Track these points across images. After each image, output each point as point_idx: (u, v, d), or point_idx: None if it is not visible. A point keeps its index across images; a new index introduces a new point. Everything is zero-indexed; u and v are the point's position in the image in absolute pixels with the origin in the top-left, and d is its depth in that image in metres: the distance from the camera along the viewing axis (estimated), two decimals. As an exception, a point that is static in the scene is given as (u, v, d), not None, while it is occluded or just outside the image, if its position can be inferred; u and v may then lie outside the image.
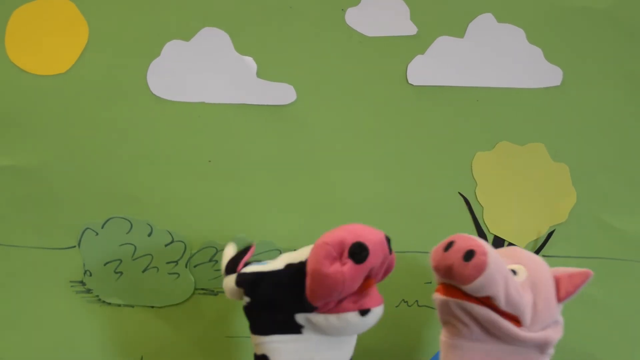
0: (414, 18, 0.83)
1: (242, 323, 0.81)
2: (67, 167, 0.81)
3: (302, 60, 0.83)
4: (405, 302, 0.83)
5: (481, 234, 0.83)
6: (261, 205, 0.82)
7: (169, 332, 0.81)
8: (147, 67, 0.81)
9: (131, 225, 0.81)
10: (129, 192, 0.81)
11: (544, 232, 0.83)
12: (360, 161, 0.83)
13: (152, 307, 0.81)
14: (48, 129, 0.81)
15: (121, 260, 0.81)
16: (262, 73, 0.82)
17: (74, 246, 0.81)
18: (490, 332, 0.63)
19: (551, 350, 0.65)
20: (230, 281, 0.65)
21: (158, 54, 0.82)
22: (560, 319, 0.67)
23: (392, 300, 0.83)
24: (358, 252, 0.57)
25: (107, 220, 0.81)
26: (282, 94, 0.82)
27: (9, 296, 0.81)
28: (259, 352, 0.64)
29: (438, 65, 0.83)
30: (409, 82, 0.83)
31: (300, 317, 0.62)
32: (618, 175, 0.84)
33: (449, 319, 0.65)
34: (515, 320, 0.62)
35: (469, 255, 0.59)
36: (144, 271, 0.81)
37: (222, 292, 0.81)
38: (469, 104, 0.83)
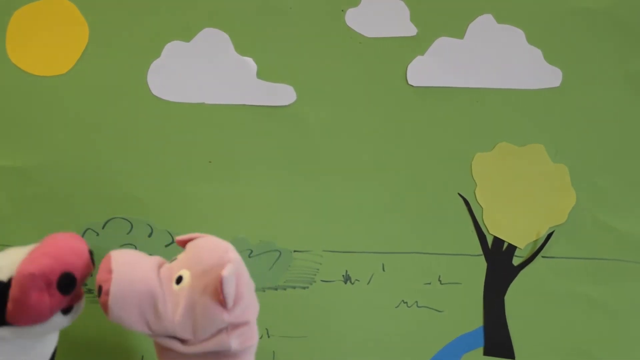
0: (413, 19, 0.83)
1: (242, 323, 0.82)
2: (68, 168, 0.81)
3: (302, 60, 0.83)
4: (405, 302, 0.83)
5: (480, 234, 0.83)
6: (261, 205, 0.82)
7: (170, 332, 0.81)
8: (148, 68, 0.81)
9: (132, 225, 0.81)
10: (130, 193, 0.81)
11: (544, 233, 0.83)
12: (360, 162, 0.83)
13: (153, 307, 0.81)
14: (48, 130, 0.81)
15: (122, 261, 0.81)
16: (262, 73, 0.83)
17: (75, 246, 0.81)
18: None
19: (236, 346, 0.61)
20: None
21: (158, 55, 0.82)
22: (239, 319, 0.61)
23: (392, 300, 0.83)
24: (67, 283, 0.58)
25: (108, 221, 0.81)
26: (282, 94, 0.83)
27: (10, 296, 0.81)
28: None
29: (438, 66, 0.83)
30: (409, 82, 0.83)
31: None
32: (617, 176, 0.84)
33: None
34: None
35: (99, 291, 0.59)
36: (144, 271, 0.81)
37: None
38: (469, 104, 0.83)
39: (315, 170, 0.83)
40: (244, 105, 0.82)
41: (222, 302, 0.59)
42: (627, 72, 0.84)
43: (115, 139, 0.81)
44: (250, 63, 0.82)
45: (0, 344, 0.60)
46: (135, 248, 0.81)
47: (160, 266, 0.63)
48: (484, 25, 0.83)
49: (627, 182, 0.84)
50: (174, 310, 0.60)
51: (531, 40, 0.83)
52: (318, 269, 0.82)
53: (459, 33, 0.83)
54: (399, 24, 0.83)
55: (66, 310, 0.62)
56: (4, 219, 0.81)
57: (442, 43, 0.83)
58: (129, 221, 0.81)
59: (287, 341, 0.82)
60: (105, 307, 0.59)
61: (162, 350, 0.64)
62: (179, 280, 0.61)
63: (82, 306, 0.64)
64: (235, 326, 0.61)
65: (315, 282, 0.82)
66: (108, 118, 0.81)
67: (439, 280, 0.83)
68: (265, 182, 0.83)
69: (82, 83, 0.81)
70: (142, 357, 0.82)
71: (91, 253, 0.62)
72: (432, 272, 0.83)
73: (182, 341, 0.61)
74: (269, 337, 0.82)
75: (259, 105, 0.82)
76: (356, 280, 0.82)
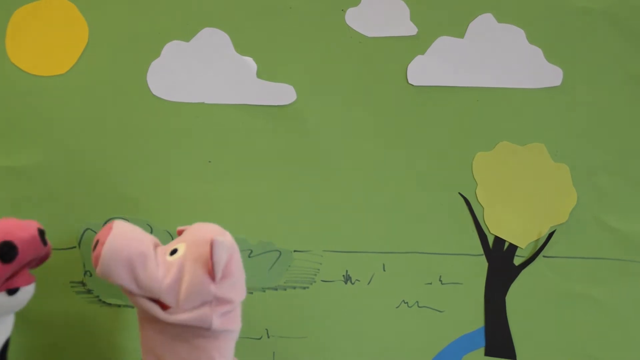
0: (414, 18, 0.83)
1: (242, 323, 0.82)
2: (67, 168, 0.81)
3: (302, 60, 0.83)
4: (405, 302, 0.83)
5: (481, 234, 0.83)
6: (261, 205, 0.82)
7: (169, 333, 0.81)
8: (147, 68, 0.81)
9: (131, 225, 0.81)
10: (129, 193, 0.81)
11: (545, 233, 0.83)
12: (360, 161, 0.83)
13: (152, 307, 0.81)
14: (48, 129, 0.81)
15: (121, 261, 0.81)
16: (262, 73, 0.82)
17: (74, 247, 0.81)
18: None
19: (217, 325, 0.63)
20: None
21: (158, 55, 0.82)
22: (232, 296, 0.63)
23: (392, 300, 0.82)
24: (6, 251, 0.60)
25: (107, 221, 0.80)
26: (282, 94, 0.82)
27: (9, 296, 0.81)
28: None
29: (438, 66, 0.83)
30: (409, 82, 0.83)
31: None
32: (618, 175, 0.83)
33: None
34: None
35: (95, 245, 0.62)
36: (144, 271, 0.81)
37: (222, 292, 0.81)
38: (469, 104, 0.83)
39: (315, 170, 0.83)
40: (244, 105, 0.82)
41: (211, 273, 0.62)
42: (628, 71, 0.84)
43: (115, 139, 0.81)
44: (250, 63, 0.82)
45: None
46: (135, 248, 0.81)
47: (156, 245, 0.66)
48: (484, 24, 0.83)
49: (628, 181, 0.84)
50: (164, 275, 0.62)
51: (532, 39, 0.83)
52: (318, 269, 0.82)
53: (459, 32, 0.83)
54: (399, 24, 0.83)
55: (12, 291, 0.63)
56: (3, 219, 0.81)
57: (443, 42, 0.83)
58: (128, 221, 0.80)
59: (287, 341, 0.82)
60: (97, 258, 0.61)
61: (143, 319, 0.65)
62: (173, 252, 0.64)
63: (31, 291, 0.65)
64: (220, 302, 0.63)
65: (315, 282, 0.82)
66: (108, 118, 0.81)
67: (440, 280, 0.83)
68: (265, 182, 0.82)
69: (82, 83, 0.81)
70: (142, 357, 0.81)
71: (41, 232, 0.64)
72: (432, 272, 0.83)
73: (164, 309, 0.62)
74: (268, 337, 0.82)
75: (259, 105, 0.82)
76: (356, 280, 0.82)
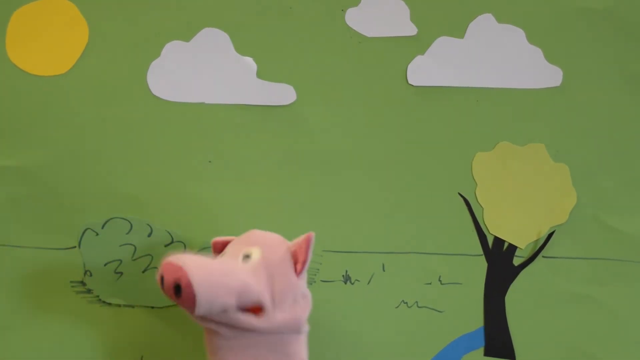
0: (414, 18, 0.83)
1: (242, 323, 0.82)
2: (67, 168, 0.81)
3: (302, 60, 0.83)
4: (405, 302, 0.83)
5: (481, 234, 0.83)
6: (261, 205, 0.82)
7: (169, 332, 0.81)
8: (147, 68, 0.81)
9: (131, 225, 0.81)
10: (129, 193, 0.81)
11: (544, 233, 0.83)
12: (360, 161, 0.83)
13: (152, 307, 0.81)
14: (48, 129, 0.81)
15: (121, 261, 0.81)
16: (262, 73, 0.83)
17: (74, 246, 0.81)
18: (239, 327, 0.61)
19: (306, 327, 0.65)
20: None
21: (158, 55, 0.82)
22: (307, 291, 0.66)
23: (392, 300, 0.83)
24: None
25: (107, 221, 0.81)
26: (282, 94, 0.83)
27: (8, 296, 0.81)
28: None
29: (438, 66, 0.83)
30: (409, 82, 0.83)
31: None
32: (618, 175, 0.83)
33: (202, 324, 0.63)
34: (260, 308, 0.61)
35: (177, 291, 0.57)
36: (144, 271, 0.81)
37: (222, 292, 0.81)
38: (469, 104, 0.83)
39: (315, 170, 0.83)
40: (244, 105, 0.82)
41: (295, 268, 0.63)
42: (628, 71, 0.84)
43: (115, 139, 0.81)
44: (250, 63, 0.82)
45: None
46: (135, 248, 0.81)
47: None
48: (484, 24, 0.83)
49: (628, 181, 0.84)
50: (252, 277, 0.61)
51: (531, 39, 0.83)
52: (318, 269, 0.82)
53: (459, 32, 0.83)
54: (399, 24, 0.83)
55: None
56: (4, 219, 0.81)
57: (442, 42, 0.83)
58: (128, 221, 0.81)
59: (287, 341, 0.82)
60: (191, 300, 0.57)
61: (226, 344, 0.62)
62: (245, 258, 0.63)
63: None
64: (304, 300, 0.64)
65: (315, 282, 0.82)
66: (108, 118, 0.81)
67: (439, 281, 0.83)
68: (265, 182, 0.82)
69: (82, 83, 0.81)
70: (142, 357, 0.81)
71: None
72: (432, 272, 0.83)
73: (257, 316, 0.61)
74: (268, 337, 0.82)
75: (259, 105, 0.82)
76: (356, 280, 0.82)
